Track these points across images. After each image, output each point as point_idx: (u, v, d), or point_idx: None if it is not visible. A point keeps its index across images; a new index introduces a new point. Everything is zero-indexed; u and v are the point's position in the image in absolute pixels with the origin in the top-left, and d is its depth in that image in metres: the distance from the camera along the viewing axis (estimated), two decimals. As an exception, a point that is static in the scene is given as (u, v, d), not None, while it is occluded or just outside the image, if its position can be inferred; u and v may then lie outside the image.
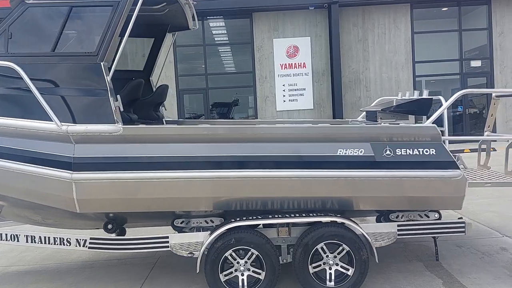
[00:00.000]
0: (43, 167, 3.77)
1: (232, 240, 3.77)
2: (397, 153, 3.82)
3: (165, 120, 5.89)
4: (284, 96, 15.37)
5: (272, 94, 15.39)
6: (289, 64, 15.32)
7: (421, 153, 3.82)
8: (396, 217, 4.30)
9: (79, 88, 3.85)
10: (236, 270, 3.82)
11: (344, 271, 3.85)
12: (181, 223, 4.35)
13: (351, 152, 3.81)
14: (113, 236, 4.27)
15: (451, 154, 3.84)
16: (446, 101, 4.05)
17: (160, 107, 5.90)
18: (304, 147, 3.82)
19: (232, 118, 16.42)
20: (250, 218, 3.87)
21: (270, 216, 3.92)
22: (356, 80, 15.56)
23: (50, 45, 3.92)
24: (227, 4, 14.76)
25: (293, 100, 15.40)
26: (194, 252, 3.81)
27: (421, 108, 4.53)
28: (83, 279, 4.66)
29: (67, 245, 4.20)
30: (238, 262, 3.82)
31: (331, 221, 3.82)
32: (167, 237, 4.05)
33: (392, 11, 15.41)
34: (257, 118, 15.41)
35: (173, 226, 4.35)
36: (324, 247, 3.83)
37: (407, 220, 4.27)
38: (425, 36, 15.68)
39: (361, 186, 3.83)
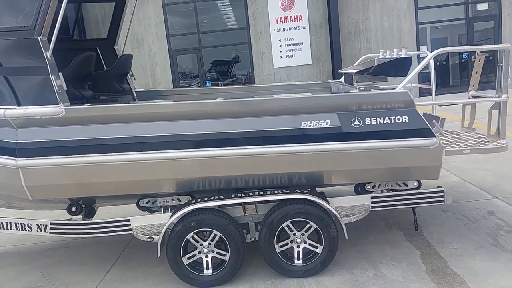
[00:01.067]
0: None
1: (193, 222, 3.57)
2: (366, 122, 3.50)
3: (135, 91, 5.58)
4: (281, 52, 14.78)
5: (268, 50, 14.81)
6: (284, 17, 14.62)
7: (392, 121, 3.50)
8: (373, 187, 4.04)
9: (17, 67, 3.55)
10: (199, 253, 3.65)
11: (312, 249, 3.65)
12: (146, 203, 4.15)
13: (316, 124, 3.50)
14: (74, 220, 4.09)
15: (425, 120, 3.50)
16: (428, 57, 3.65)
17: (129, 77, 5.57)
18: (265, 121, 3.52)
19: (234, 76, 16.00)
20: (210, 198, 3.65)
21: (233, 196, 3.69)
22: (355, 31, 14.85)
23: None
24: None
25: (290, 56, 14.83)
26: (153, 237, 3.63)
27: (399, 69, 4.14)
28: (54, 262, 4.56)
29: (28, 230, 4.06)
30: (201, 244, 3.64)
31: (295, 198, 3.57)
32: (129, 220, 3.86)
33: (393, -47, 14.44)
34: (253, 76, 14.97)
35: (138, 206, 4.15)
36: (290, 225, 3.61)
37: (382, 191, 4.02)
38: (427, -21, 14.75)
39: (328, 160, 3.56)
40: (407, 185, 4.06)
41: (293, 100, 3.61)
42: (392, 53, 4.54)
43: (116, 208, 5.21)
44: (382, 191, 4.06)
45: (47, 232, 4.01)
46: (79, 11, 5.32)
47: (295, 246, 3.65)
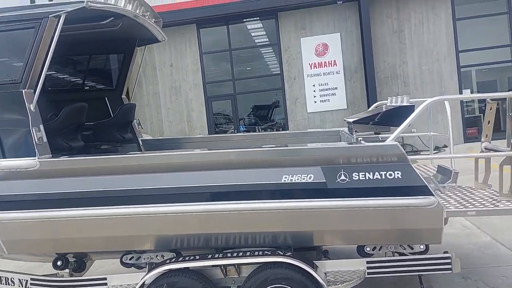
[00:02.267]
0: None
1: (165, 285, 3.31)
2: (353, 178, 3.16)
3: (141, 140, 5.54)
4: (314, 96, 14.63)
5: (302, 96, 14.70)
6: (318, 63, 14.56)
7: (383, 177, 3.14)
8: (373, 249, 3.61)
9: (1, 119, 3.56)
10: (177, 317, 3.36)
11: (297, 320, 3.25)
12: (130, 259, 3.95)
13: (298, 179, 3.21)
14: (52, 276, 3.93)
15: (421, 177, 3.11)
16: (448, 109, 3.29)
17: (136, 126, 5.56)
18: (243, 175, 3.28)
19: (273, 121, 15.97)
20: (186, 259, 3.38)
21: (210, 256, 3.41)
22: (392, 75, 14.46)
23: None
24: (251, 6, 14.27)
25: (324, 100, 14.62)
26: (123, 299, 3.39)
27: (400, 118, 3.80)
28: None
29: (11, 284, 3.95)
30: (175, 309, 3.35)
31: (275, 261, 3.23)
32: (105, 279, 3.66)
33: (430, -3, 14.16)
34: (287, 121, 14.83)
35: (121, 263, 3.96)
36: (272, 292, 3.25)
37: (386, 254, 3.58)
38: (468, 22, 14.25)
39: (312, 218, 3.22)
40: (412, 248, 3.60)
41: (273, 152, 3.35)
42: (401, 101, 4.20)
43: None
44: (386, 254, 3.63)
45: (27, 287, 3.88)
46: (89, 64, 5.41)
47: (279, 315, 3.27)
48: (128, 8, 4.50)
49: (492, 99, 3.56)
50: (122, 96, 5.51)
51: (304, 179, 3.21)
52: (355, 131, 3.98)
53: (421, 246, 3.58)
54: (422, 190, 3.09)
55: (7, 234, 3.48)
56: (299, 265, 3.19)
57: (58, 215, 3.40)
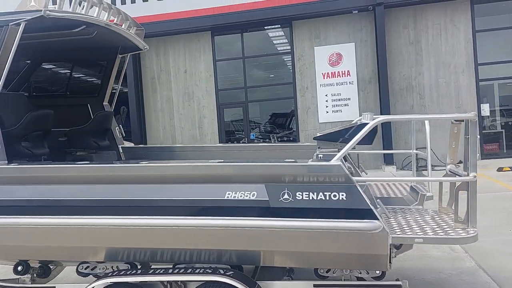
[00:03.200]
0: None
1: (108, 297, 3.27)
2: (297, 197, 3.04)
3: (122, 147, 5.55)
4: (327, 107, 14.43)
5: (314, 105, 14.53)
6: (332, 72, 14.37)
7: (327, 198, 3.01)
8: (327, 272, 3.46)
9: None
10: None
11: None
12: (85, 268, 3.93)
13: (241, 196, 3.11)
14: (8, 282, 3.95)
15: (366, 200, 2.96)
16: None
17: (118, 133, 5.58)
18: (186, 189, 3.21)
19: (291, 129, 15.84)
20: (126, 273, 3.34)
21: (151, 272, 3.35)
22: (408, 87, 14.12)
23: None
24: (266, 14, 14.25)
25: (337, 111, 14.41)
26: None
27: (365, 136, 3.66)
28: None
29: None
30: (115, 322, 3.30)
31: (213, 280, 3.14)
32: (55, 287, 3.66)
33: (449, 8, 13.75)
34: (298, 131, 14.68)
35: (77, 272, 3.94)
36: (209, 311, 3.16)
37: (343, 278, 3.42)
38: (489, 34, 13.77)
39: (254, 238, 3.12)
40: (368, 273, 3.43)
41: (217, 168, 3.26)
42: (366, 118, 4.06)
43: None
44: (343, 277, 3.47)
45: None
46: (72, 70, 5.48)
47: (216, 336, 3.18)
48: (103, 18, 4.55)
49: (455, 120, 3.36)
50: (104, 103, 5.54)
51: (247, 196, 3.11)
52: (318, 148, 3.86)
53: (377, 271, 3.41)
54: (366, 214, 2.94)
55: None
56: (235, 285, 3.08)
57: (7, 222, 3.42)
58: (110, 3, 4.60)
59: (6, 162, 3.60)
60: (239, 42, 15.00)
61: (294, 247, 3.11)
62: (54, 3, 4.16)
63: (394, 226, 3.18)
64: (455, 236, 2.95)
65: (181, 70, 15.33)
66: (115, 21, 4.79)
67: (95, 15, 4.43)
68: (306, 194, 3.03)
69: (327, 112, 14.44)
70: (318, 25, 14.43)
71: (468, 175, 3.01)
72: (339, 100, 14.38)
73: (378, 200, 3.08)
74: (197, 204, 3.16)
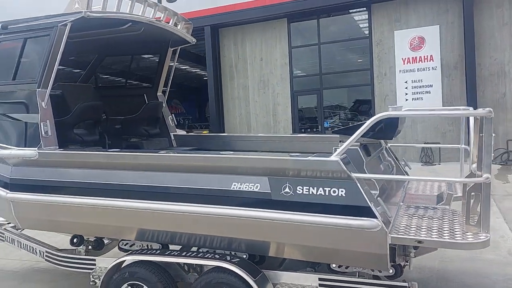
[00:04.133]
0: None
1: (126, 274, 3.62)
2: (297, 191, 3.06)
3: (174, 135, 5.92)
4: (406, 94, 13.70)
5: (392, 92, 13.89)
6: (412, 58, 13.58)
7: (327, 193, 2.99)
8: (339, 267, 3.45)
9: (16, 113, 4.18)
10: (134, 304, 3.65)
11: (237, 326, 3.29)
12: (125, 245, 4.35)
13: (245, 187, 3.22)
14: (64, 252, 4.47)
15: (366, 197, 2.89)
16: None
17: (170, 121, 5.95)
18: (197, 179, 3.39)
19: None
20: (147, 252, 3.64)
21: (167, 253, 3.62)
22: (500, 72, 12.86)
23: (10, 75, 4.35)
24: (343, -2, 13.89)
25: (417, 98, 13.62)
26: (96, 280, 3.78)
27: (382, 130, 3.54)
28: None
29: (35, 253, 4.63)
30: (140, 296, 3.63)
31: (217, 266, 3.30)
32: (95, 260, 4.11)
33: (553, -18, 12.20)
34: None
35: (119, 248, 4.38)
36: (216, 295, 3.34)
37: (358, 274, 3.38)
38: None
39: (257, 228, 3.21)
40: (380, 271, 3.35)
41: (223, 159, 3.38)
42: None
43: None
44: (358, 274, 3.43)
45: (44, 258, 4.52)
46: (130, 64, 5.96)
47: (220, 319, 3.35)
48: (149, 15, 4.86)
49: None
50: (158, 94, 5.92)
51: (251, 188, 3.20)
52: (340, 141, 3.79)
53: (390, 270, 3.31)
54: (365, 211, 2.87)
55: (18, 212, 4.11)
56: (238, 272, 3.21)
57: (54, 200, 3.90)
58: (156, 1, 4.88)
59: (57, 147, 4.09)
60: (314, 28, 14.80)
61: (293, 239, 3.14)
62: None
63: (400, 225, 3.05)
64: (460, 241, 2.76)
65: (257, 58, 15.57)
66: (162, 17, 5.09)
67: (140, 13, 4.76)
68: (306, 189, 3.04)
69: (407, 99, 13.70)
70: (399, 8, 13.67)
71: (481, 176, 2.78)
72: (420, 87, 13.57)
73: (378, 198, 2.97)
74: (206, 193, 3.33)
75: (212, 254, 3.50)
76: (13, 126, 4.21)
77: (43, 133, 4.00)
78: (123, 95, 5.99)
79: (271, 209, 3.11)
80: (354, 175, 2.92)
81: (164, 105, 5.93)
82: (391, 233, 2.87)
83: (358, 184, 2.92)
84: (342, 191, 2.95)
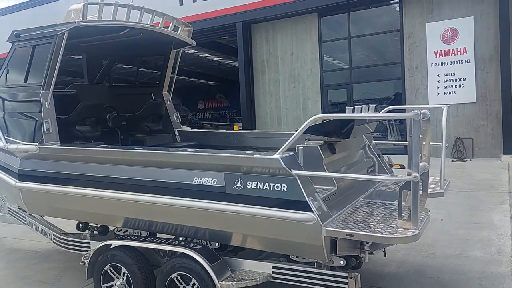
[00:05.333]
0: (7, 175, 4.83)
1: (108, 256, 4.04)
2: (247, 186, 3.34)
3: (178, 131, 6.33)
4: (438, 88, 13.39)
5: (423, 86, 13.62)
6: (445, 50, 13.23)
7: (272, 188, 3.24)
8: (297, 257, 3.69)
9: (25, 112, 4.73)
10: (116, 284, 4.07)
11: (197, 307, 3.63)
12: (119, 231, 4.81)
13: (205, 182, 3.54)
14: (68, 236, 4.99)
15: (304, 192, 3.11)
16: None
17: (176, 118, 6.36)
18: (166, 173, 3.75)
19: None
20: (126, 238, 4.06)
21: (142, 239, 4.02)
22: (539, 65, 12.26)
23: (22, 79, 4.91)
24: (374, -10, 13.76)
25: (450, 92, 13.27)
26: (85, 261, 4.25)
27: (336, 129, 3.73)
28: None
29: (46, 236, 5.21)
30: (117, 277, 4.06)
31: (180, 252, 3.65)
32: (89, 243, 4.59)
33: None
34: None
35: (114, 234, 4.85)
36: (179, 277, 3.69)
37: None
38: None
39: (214, 219, 3.53)
40: (333, 262, 3.55)
41: (187, 156, 3.69)
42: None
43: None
44: (315, 264, 3.65)
45: (52, 240, 5.08)
46: (139, 65, 6.43)
47: (184, 299, 3.71)
48: (147, 20, 5.26)
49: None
50: (163, 92, 6.35)
51: (209, 182, 3.51)
52: (305, 139, 4.00)
53: (341, 261, 3.51)
54: (302, 206, 3.09)
55: (26, 199, 4.67)
56: (196, 258, 3.54)
57: (52, 189, 4.40)
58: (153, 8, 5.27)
59: (58, 142, 4.60)
60: (345, 22, 14.75)
61: (243, 230, 3.44)
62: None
63: (341, 219, 3.24)
64: (387, 235, 2.92)
65: (288, 52, 15.74)
66: (160, 22, 5.47)
67: (137, 20, 5.17)
68: (254, 184, 3.30)
69: (438, 93, 13.40)
70: (431, 0, 13.34)
71: (410, 174, 2.92)
72: (452, 80, 13.21)
73: (316, 194, 3.17)
74: (174, 186, 3.68)
75: (181, 242, 3.85)
76: (23, 123, 4.76)
77: (45, 129, 4.51)
78: (133, 94, 6.47)
79: (225, 202, 3.40)
80: (294, 172, 3.15)
81: (169, 102, 6.35)
82: (326, 226, 3.08)
83: (298, 181, 3.14)
84: (284, 186, 3.18)
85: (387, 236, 2.93)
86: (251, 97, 16.39)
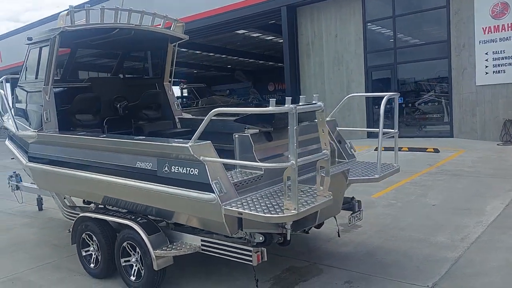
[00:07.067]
0: (22, 156, 5.82)
1: (83, 226, 4.83)
2: (172, 170, 3.86)
3: (178, 118, 6.96)
4: (486, 67, 12.61)
5: (471, 65, 12.89)
6: (494, 26, 12.39)
7: (188, 172, 3.73)
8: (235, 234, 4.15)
9: (33, 103, 5.65)
10: (92, 249, 4.85)
11: (141, 271, 4.27)
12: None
13: (144, 165, 4.12)
14: (68, 208, 5.88)
15: (209, 176, 3.56)
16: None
17: (177, 106, 7.00)
18: (120, 157, 4.39)
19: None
20: (100, 212, 4.81)
21: (107, 213, 4.75)
22: None
23: (33, 75, 5.83)
24: (419, -34, 13.21)
25: (499, 71, 12.46)
26: (70, 229, 5.08)
27: (264, 120, 4.10)
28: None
29: (60, 209, 6.18)
30: (91, 244, 4.84)
31: (126, 224, 4.31)
32: (79, 214, 5.45)
33: None
34: (451, 94, 13.34)
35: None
36: (128, 245, 4.36)
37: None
38: None
39: (150, 198, 4.13)
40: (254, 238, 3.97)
41: (131, 143, 4.28)
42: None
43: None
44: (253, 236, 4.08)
45: (61, 213, 6.02)
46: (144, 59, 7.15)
47: (134, 264, 4.37)
48: (136, 20, 5.89)
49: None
50: (164, 83, 7.00)
51: (147, 166, 4.08)
52: (245, 128, 4.39)
53: (260, 238, 3.92)
54: (207, 188, 3.54)
55: (33, 176, 5.64)
56: (136, 229, 4.17)
57: (49, 169, 5.28)
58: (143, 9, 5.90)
59: (57, 130, 5.46)
60: (390, 0, 14.29)
61: (170, 207, 4.00)
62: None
63: (245, 200, 3.62)
64: (269, 215, 3.27)
65: (332, 34, 15.66)
66: (150, 21, 6.08)
67: (125, 21, 5.83)
68: (177, 168, 3.81)
69: (487, 73, 12.63)
70: (480, -28, 12.49)
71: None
72: (502, 58, 12.37)
73: (219, 178, 3.58)
74: (123, 169, 4.31)
75: (131, 216, 4.47)
76: (31, 113, 5.70)
77: (45, 119, 5.39)
78: (141, 85, 7.20)
79: (157, 183, 3.97)
80: (203, 158, 3.61)
81: (170, 92, 7.00)
82: (226, 205, 3.51)
83: (206, 166, 3.60)
84: (196, 170, 3.66)
85: (266, 215, 3.29)
86: (297, 81, 16.59)
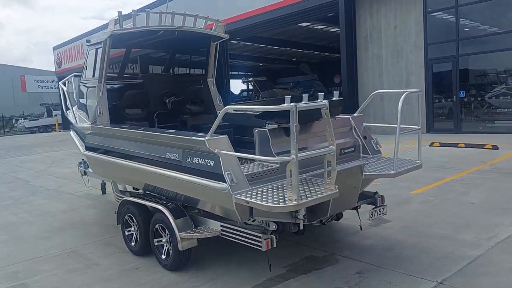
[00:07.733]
0: (81, 146, 6.59)
1: (125, 208, 5.44)
2: (194, 161, 4.28)
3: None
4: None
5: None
6: None
7: (206, 163, 4.13)
8: (253, 221, 4.50)
9: (91, 99, 6.36)
10: (133, 229, 5.45)
11: (170, 251, 4.76)
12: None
13: (172, 156, 4.59)
14: (119, 192, 6.56)
15: (222, 167, 3.92)
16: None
17: (218, 102, 7.45)
18: (154, 149, 4.89)
19: None
20: (138, 197, 5.38)
21: (147, 198, 5.28)
22: None
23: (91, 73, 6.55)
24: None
25: None
26: (116, 211, 5.71)
27: (277, 116, 4.38)
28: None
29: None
30: (132, 224, 5.43)
31: (158, 208, 4.81)
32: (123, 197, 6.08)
33: None
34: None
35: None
36: (159, 228, 4.87)
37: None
38: None
39: (177, 185, 4.60)
40: (268, 226, 4.28)
41: (161, 136, 4.73)
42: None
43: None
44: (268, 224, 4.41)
45: (115, 197, 6.72)
46: (191, 57, 7.70)
47: (165, 244, 4.87)
48: (179, 22, 6.39)
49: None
50: (208, 79, 7.46)
51: (174, 157, 4.53)
52: (266, 123, 4.69)
53: (274, 226, 4.24)
54: (219, 178, 3.89)
55: (91, 164, 6.39)
56: (165, 212, 4.65)
57: (102, 158, 5.96)
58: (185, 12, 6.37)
59: (108, 123, 6.12)
60: (452, -10, 13.69)
61: (194, 195, 4.43)
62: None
63: (255, 190, 3.93)
64: (271, 205, 3.55)
65: (391, 26, 15.30)
66: (193, 21, 6.55)
67: (169, 23, 6.34)
68: (197, 159, 4.23)
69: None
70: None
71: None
72: None
73: (231, 169, 3.91)
74: (156, 159, 4.81)
75: (163, 201, 4.97)
76: (89, 108, 6.42)
77: (98, 113, 6.07)
78: (187, 81, 7.72)
79: (181, 172, 4.41)
80: (217, 151, 3.98)
81: (213, 88, 7.46)
82: (236, 195, 3.85)
83: (220, 158, 3.97)
84: (212, 162, 4.04)
85: (269, 205, 3.58)
86: (354, 73, 16.43)
